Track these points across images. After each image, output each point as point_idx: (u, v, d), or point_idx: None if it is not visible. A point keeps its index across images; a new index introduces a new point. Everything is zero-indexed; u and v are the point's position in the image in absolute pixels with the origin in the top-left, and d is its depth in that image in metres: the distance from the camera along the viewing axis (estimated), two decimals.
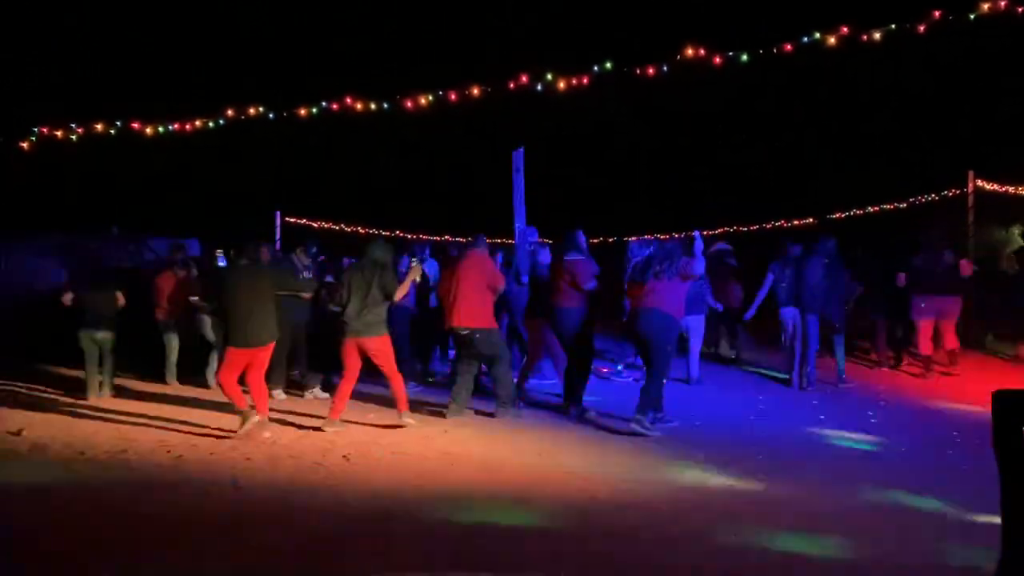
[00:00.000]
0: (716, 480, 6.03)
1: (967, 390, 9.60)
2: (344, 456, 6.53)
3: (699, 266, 7.61)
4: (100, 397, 9.02)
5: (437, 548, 4.57)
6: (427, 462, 6.42)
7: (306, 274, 9.32)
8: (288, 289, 7.75)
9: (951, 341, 10.78)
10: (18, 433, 7.18)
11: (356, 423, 7.79)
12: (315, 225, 18.67)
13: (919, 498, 5.62)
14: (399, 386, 7.77)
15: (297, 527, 4.86)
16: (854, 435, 7.63)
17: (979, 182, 13.60)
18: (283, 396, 9.18)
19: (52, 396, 9.18)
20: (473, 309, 8.01)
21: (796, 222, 19.82)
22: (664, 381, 7.68)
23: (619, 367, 10.85)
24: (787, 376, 10.08)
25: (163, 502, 5.33)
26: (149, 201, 18.80)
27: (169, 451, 6.68)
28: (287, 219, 17.95)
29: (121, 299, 9.24)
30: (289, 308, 8.65)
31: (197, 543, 4.60)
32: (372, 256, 7.70)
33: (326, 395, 9.23)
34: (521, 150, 11.55)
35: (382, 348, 7.63)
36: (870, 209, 18.12)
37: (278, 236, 17.41)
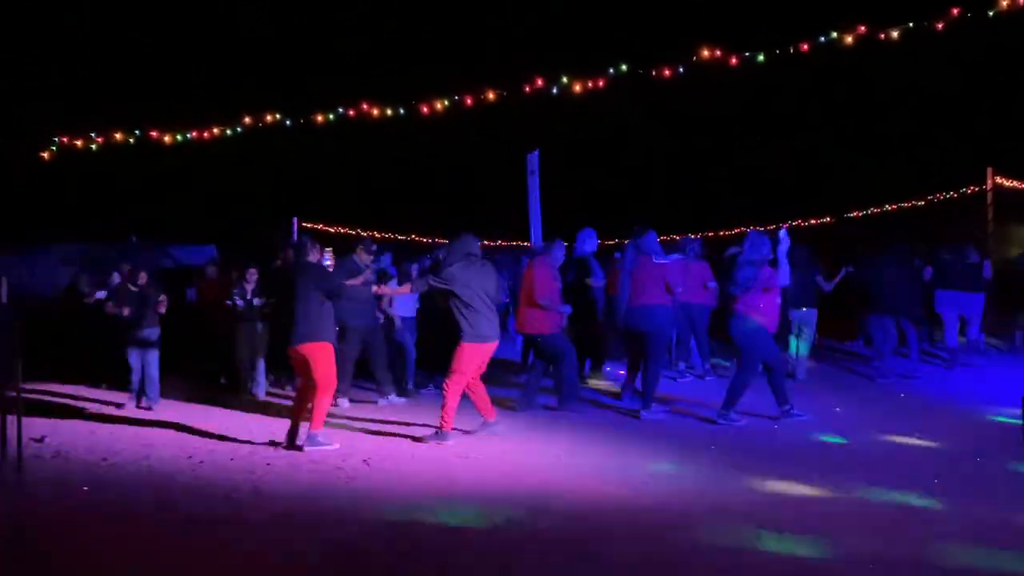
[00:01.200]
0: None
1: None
2: (364, 460, 6.55)
3: (783, 278, 7.94)
4: (148, 407, 8.91)
5: (456, 553, 4.57)
6: (447, 466, 6.42)
7: (369, 275, 8.90)
8: (323, 290, 7.21)
9: (974, 334, 11.13)
10: (41, 440, 7.25)
11: (379, 422, 7.81)
12: (332, 230, 18.72)
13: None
14: (452, 400, 7.30)
15: (318, 534, 4.87)
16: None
17: (998, 179, 13.47)
18: (347, 404, 8.93)
19: (76, 403, 9.26)
20: (534, 316, 8.44)
21: (813, 221, 19.70)
22: (748, 381, 7.89)
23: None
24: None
25: (182, 509, 5.36)
26: (167, 208, 18.96)
27: (190, 457, 6.73)
28: (304, 224, 18.01)
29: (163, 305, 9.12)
30: (351, 312, 8.61)
31: (216, 551, 4.62)
32: (475, 251, 7.47)
33: (401, 400, 9.24)
34: (536, 152, 11.57)
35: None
36: (888, 207, 17.99)
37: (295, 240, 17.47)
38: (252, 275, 9.73)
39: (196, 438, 7.43)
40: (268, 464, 6.47)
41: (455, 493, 5.74)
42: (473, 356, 7.29)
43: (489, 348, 7.40)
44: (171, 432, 7.72)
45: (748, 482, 5.94)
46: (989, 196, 13.40)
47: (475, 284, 7.26)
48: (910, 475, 6.02)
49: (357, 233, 19.81)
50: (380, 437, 7.46)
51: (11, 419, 6.30)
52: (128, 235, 15.37)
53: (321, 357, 7.03)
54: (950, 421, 7.97)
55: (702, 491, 5.77)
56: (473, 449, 6.95)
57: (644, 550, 4.59)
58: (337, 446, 7.03)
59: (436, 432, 7.26)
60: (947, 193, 16.05)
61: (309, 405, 7.13)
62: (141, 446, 7.11)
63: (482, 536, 4.82)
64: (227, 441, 7.31)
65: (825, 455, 6.82)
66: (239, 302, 9.63)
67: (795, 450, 6.97)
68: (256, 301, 9.66)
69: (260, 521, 5.09)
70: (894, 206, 17.92)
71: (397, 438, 7.42)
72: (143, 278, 9.11)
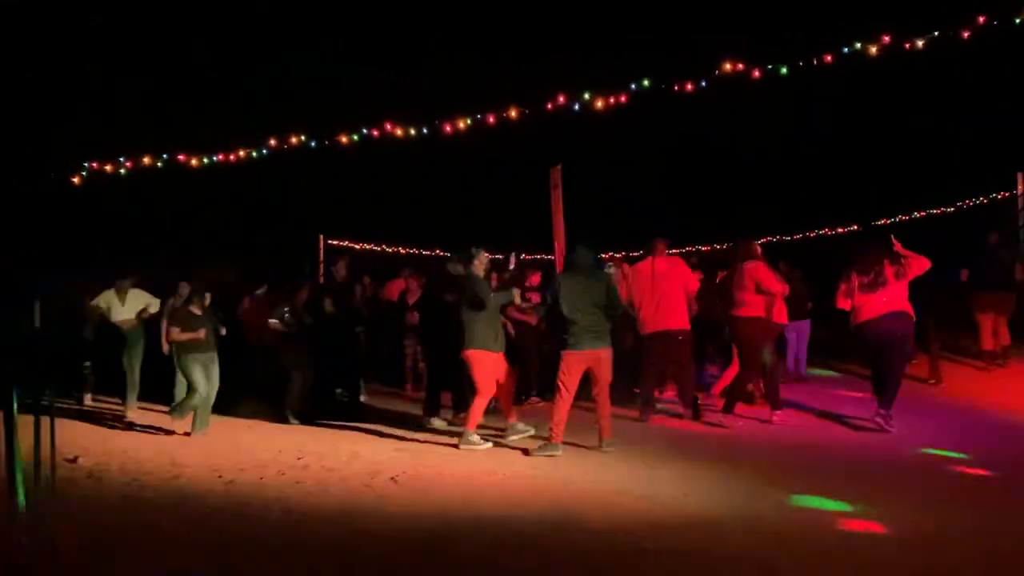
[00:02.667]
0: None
1: None
2: (392, 478, 6.56)
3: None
4: (201, 433, 8.66)
5: (485, 572, 4.56)
6: (476, 483, 6.42)
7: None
8: (466, 300, 7.87)
9: (1005, 337, 11.20)
10: (75, 460, 7.34)
11: (408, 440, 7.83)
12: (357, 247, 18.85)
13: None
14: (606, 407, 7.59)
15: (348, 554, 4.88)
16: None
17: None
18: (440, 424, 8.96)
19: (109, 424, 9.37)
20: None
21: (840, 230, 19.51)
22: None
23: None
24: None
25: (214, 528, 5.40)
26: (194, 229, 19.18)
27: (220, 476, 6.78)
28: (329, 241, 18.15)
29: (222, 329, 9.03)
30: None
31: (248, 571, 4.65)
32: (580, 263, 7.62)
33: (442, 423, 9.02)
34: (559, 166, 11.58)
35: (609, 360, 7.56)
36: (917, 214, 17.79)
37: (320, 258, 17.61)
38: (304, 293, 9.63)
39: (226, 457, 7.48)
40: (297, 483, 6.50)
41: (484, 511, 5.74)
42: (571, 367, 7.41)
43: (588, 357, 7.42)
44: (202, 451, 7.78)
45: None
46: (1020, 201, 13.23)
47: (578, 296, 7.40)
48: None
49: (382, 249, 19.94)
50: (408, 454, 7.48)
51: (44, 440, 6.38)
52: (157, 256, 15.54)
53: (479, 363, 7.69)
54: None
55: (736, 506, 5.72)
56: (502, 466, 6.94)
57: (679, 566, 4.55)
58: (489, 445, 7.68)
59: (544, 444, 7.43)
60: (976, 199, 15.85)
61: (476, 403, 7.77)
62: (172, 466, 7.18)
63: (510, 555, 4.81)
64: (257, 460, 7.36)
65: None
66: (288, 319, 9.44)
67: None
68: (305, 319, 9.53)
69: (289, 541, 5.11)
70: (923, 213, 17.72)
71: (426, 454, 7.43)
72: (207, 299, 8.98)
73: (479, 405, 7.79)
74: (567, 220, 11.56)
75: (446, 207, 23.37)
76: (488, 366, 7.76)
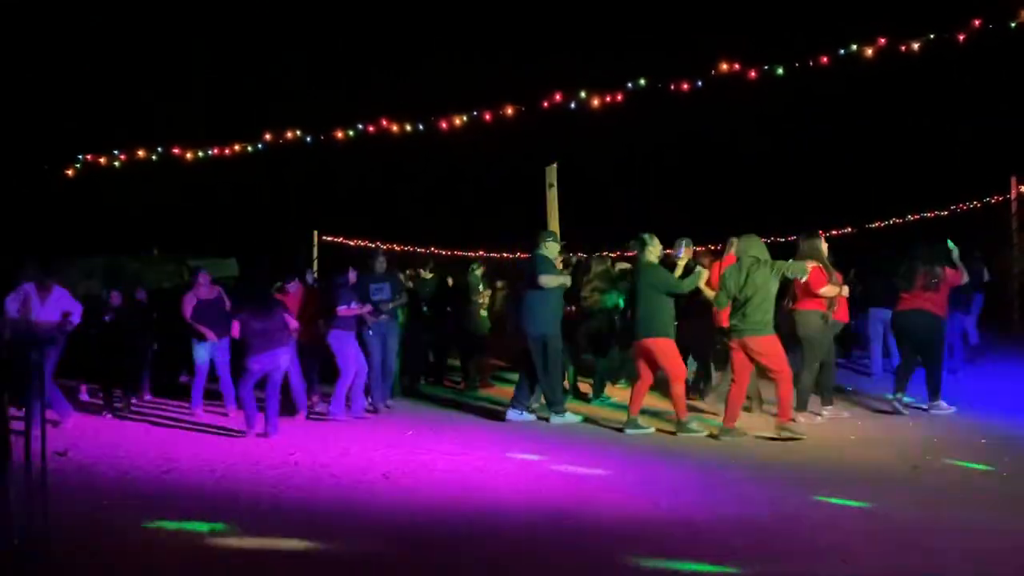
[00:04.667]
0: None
1: None
2: (384, 475, 6.56)
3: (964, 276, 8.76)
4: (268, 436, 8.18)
5: (473, 570, 4.56)
6: (468, 479, 6.41)
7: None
8: (662, 290, 8.00)
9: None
10: (64, 453, 7.31)
11: (398, 436, 7.82)
12: (352, 243, 18.84)
13: None
14: (787, 390, 7.67)
15: (338, 551, 4.88)
16: None
17: (1022, 188, 13.34)
18: (531, 417, 8.82)
19: (100, 417, 9.33)
20: None
21: (834, 232, 19.56)
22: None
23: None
24: None
25: (204, 523, 5.38)
26: (188, 222, 19.15)
27: (212, 471, 6.76)
28: (324, 237, 18.14)
29: (293, 322, 8.49)
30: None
31: (237, 566, 4.64)
32: (750, 252, 7.66)
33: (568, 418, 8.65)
34: (555, 165, 11.60)
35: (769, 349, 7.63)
36: (910, 217, 17.86)
37: (315, 255, 17.60)
38: (350, 278, 9.26)
39: (217, 451, 7.47)
40: (289, 478, 6.49)
41: (476, 508, 5.73)
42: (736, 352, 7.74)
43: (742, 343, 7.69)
44: (193, 445, 7.76)
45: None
46: (1013, 205, 13.28)
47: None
48: None
49: (376, 246, 19.92)
50: (399, 451, 7.46)
51: (35, 433, 6.35)
52: (150, 248, 15.51)
53: (665, 350, 7.84)
54: None
55: (719, 503, 5.73)
56: (494, 462, 6.94)
57: (664, 564, 4.55)
58: (652, 430, 7.97)
59: (785, 425, 7.60)
60: (970, 202, 15.92)
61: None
62: (163, 460, 7.15)
63: (501, 551, 4.81)
64: (248, 455, 7.34)
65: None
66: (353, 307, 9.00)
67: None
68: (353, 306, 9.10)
69: (280, 537, 5.10)
70: (916, 216, 17.79)
71: (417, 452, 7.42)
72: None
73: (680, 391, 7.94)
74: (561, 218, 11.59)
75: (442, 204, 23.41)
76: (674, 351, 7.94)
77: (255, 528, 5.24)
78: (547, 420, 8.63)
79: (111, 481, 6.50)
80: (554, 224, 11.59)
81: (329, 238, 18.23)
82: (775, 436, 7.65)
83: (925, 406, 8.78)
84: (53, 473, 6.46)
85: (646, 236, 8.09)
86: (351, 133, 10.42)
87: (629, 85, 9.42)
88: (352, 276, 9.30)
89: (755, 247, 7.70)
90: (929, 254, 8.68)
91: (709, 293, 8.31)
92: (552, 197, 11.55)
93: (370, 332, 9.34)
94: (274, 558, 4.76)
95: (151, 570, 4.62)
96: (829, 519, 5.41)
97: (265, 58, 21.19)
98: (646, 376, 8.10)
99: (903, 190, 19.59)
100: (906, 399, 8.82)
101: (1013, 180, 13.33)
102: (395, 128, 10.34)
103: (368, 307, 9.24)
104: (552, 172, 11.51)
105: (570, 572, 4.56)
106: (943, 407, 8.60)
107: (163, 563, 4.68)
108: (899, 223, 18.01)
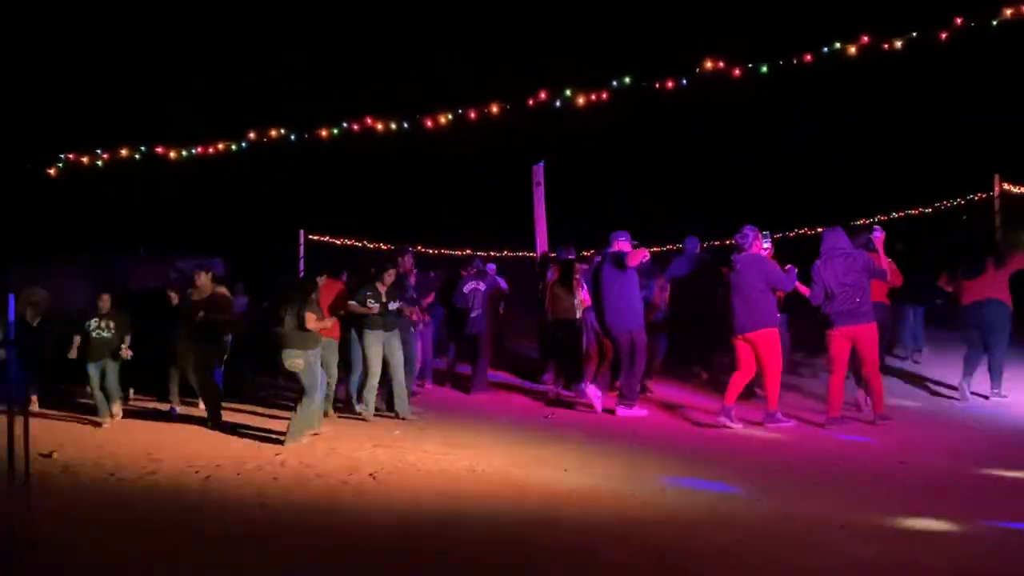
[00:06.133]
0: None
1: None
2: (371, 475, 6.54)
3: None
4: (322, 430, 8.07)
5: (458, 571, 4.56)
6: (456, 480, 6.41)
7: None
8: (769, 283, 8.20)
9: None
10: (50, 455, 7.27)
11: (385, 436, 7.80)
12: (338, 242, 18.75)
13: None
14: (877, 384, 8.10)
15: (324, 550, 4.87)
16: None
17: (1006, 185, 13.42)
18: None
19: (85, 418, 9.26)
20: None
21: (820, 229, 19.59)
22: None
23: None
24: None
25: (189, 523, 5.36)
26: (173, 221, 19.06)
27: (197, 472, 6.73)
28: (310, 237, 18.04)
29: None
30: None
31: (223, 566, 4.63)
32: (839, 245, 8.09)
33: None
34: (541, 164, 11.61)
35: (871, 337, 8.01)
36: (895, 215, 17.92)
37: (301, 254, 17.52)
38: (390, 276, 8.82)
39: (203, 452, 7.42)
40: (275, 479, 6.47)
41: (464, 508, 5.72)
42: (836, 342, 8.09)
43: (848, 332, 8.01)
44: (178, 446, 7.71)
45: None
46: (996, 203, 13.35)
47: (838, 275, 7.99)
48: None
49: (363, 245, 19.86)
50: (386, 451, 7.44)
51: (19, 434, 6.31)
52: (137, 247, 15.41)
53: (766, 342, 7.99)
54: None
55: (708, 504, 5.75)
56: (482, 462, 6.93)
57: (653, 564, 4.57)
58: (794, 423, 8.06)
59: (879, 417, 8.05)
60: (954, 200, 15.99)
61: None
62: (149, 461, 7.12)
63: (488, 551, 4.81)
64: (234, 455, 7.31)
65: None
66: (374, 305, 8.67)
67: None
68: (392, 305, 8.78)
69: (265, 537, 5.08)
70: (901, 213, 17.86)
71: (404, 452, 7.40)
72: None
73: (775, 383, 8.14)
74: (548, 217, 11.60)
75: (428, 203, 23.38)
76: (777, 342, 8.16)
77: (240, 529, 5.23)
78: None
79: (95, 482, 6.46)
80: (541, 222, 11.62)
81: (315, 237, 18.13)
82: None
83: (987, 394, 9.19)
84: (37, 475, 6.46)
85: (764, 232, 8.34)
86: (336, 132, 10.39)
87: (614, 83, 9.43)
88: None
89: (843, 241, 8.17)
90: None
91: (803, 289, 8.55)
92: (539, 196, 11.57)
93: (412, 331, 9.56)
94: (260, 558, 4.74)
95: (133, 570, 4.59)
96: None
97: (252, 57, 21.10)
98: (747, 368, 8.22)
99: (888, 187, 19.68)
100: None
101: (997, 178, 13.40)
102: (380, 127, 10.30)
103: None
104: (539, 171, 11.54)
105: (558, 573, 4.57)
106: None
107: (146, 563, 4.66)
108: (884, 220, 18.06)
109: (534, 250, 11.95)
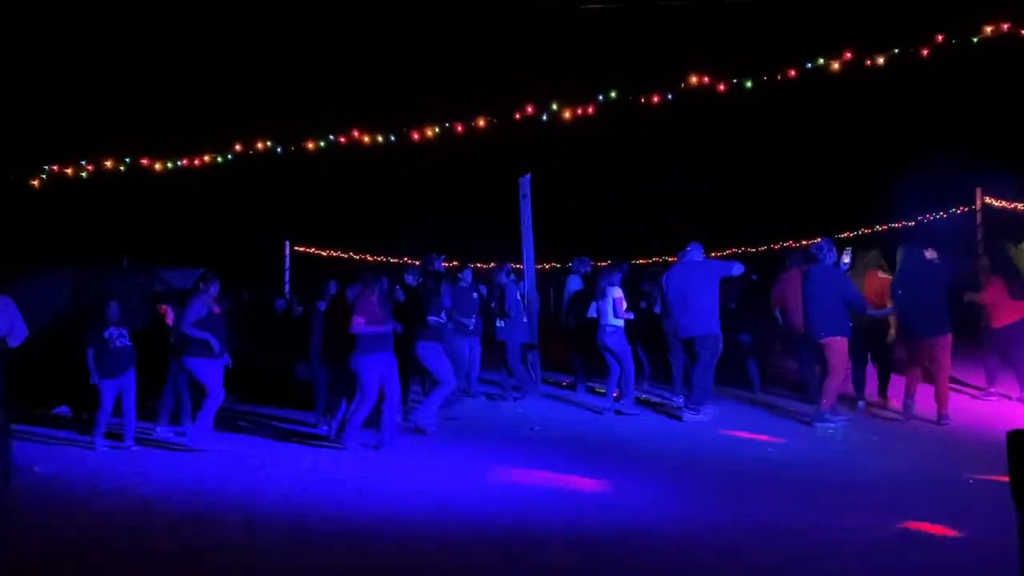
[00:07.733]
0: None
1: None
2: (356, 489, 6.51)
3: None
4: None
5: None
6: (443, 494, 6.38)
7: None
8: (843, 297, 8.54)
9: None
10: (31, 469, 7.19)
11: (372, 450, 7.78)
12: (324, 254, 18.73)
13: None
14: (944, 388, 8.48)
15: (309, 566, 4.84)
16: None
17: (987, 199, 13.55)
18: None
19: (67, 432, 9.16)
20: None
21: (804, 242, 19.74)
22: None
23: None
24: None
25: (174, 537, 5.32)
26: (159, 233, 18.97)
27: (180, 486, 6.68)
28: (296, 248, 18.00)
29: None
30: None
31: None
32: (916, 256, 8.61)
33: None
34: (528, 176, 11.63)
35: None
36: (879, 228, 18.08)
37: (287, 265, 17.46)
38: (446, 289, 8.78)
39: (186, 466, 7.37)
40: (259, 494, 6.43)
41: (451, 523, 5.70)
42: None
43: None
44: (163, 460, 7.66)
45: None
46: (978, 216, 13.47)
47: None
48: None
49: (349, 256, 19.83)
50: (372, 466, 7.41)
51: None
52: (120, 259, 15.29)
53: (833, 348, 8.37)
54: None
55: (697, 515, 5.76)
56: (473, 478, 6.88)
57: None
58: (842, 424, 8.31)
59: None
60: (936, 213, 16.15)
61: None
62: (132, 474, 7.06)
63: (478, 567, 4.80)
64: (219, 469, 7.26)
65: None
66: (441, 319, 8.60)
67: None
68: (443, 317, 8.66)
69: (249, 551, 5.05)
70: (884, 226, 18.01)
71: (390, 466, 7.38)
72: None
73: (834, 386, 8.47)
74: (535, 230, 11.62)
75: (414, 215, 23.37)
76: (844, 349, 8.52)
77: (224, 544, 5.19)
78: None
79: (79, 496, 6.40)
80: (527, 234, 11.62)
81: (301, 248, 18.10)
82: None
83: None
84: (20, 488, 6.40)
85: (825, 245, 8.64)
86: (322, 144, 10.38)
87: (600, 97, 9.48)
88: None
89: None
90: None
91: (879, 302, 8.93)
92: (525, 208, 11.59)
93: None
94: (247, 572, 4.71)
95: None
96: None
97: (235, 67, 21.08)
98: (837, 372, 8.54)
99: (870, 200, 19.85)
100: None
101: (978, 191, 13.52)
102: (367, 139, 10.30)
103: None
104: (525, 183, 11.56)
105: None
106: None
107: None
108: (868, 233, 18.21)
109: (520, 261, 11.95)
